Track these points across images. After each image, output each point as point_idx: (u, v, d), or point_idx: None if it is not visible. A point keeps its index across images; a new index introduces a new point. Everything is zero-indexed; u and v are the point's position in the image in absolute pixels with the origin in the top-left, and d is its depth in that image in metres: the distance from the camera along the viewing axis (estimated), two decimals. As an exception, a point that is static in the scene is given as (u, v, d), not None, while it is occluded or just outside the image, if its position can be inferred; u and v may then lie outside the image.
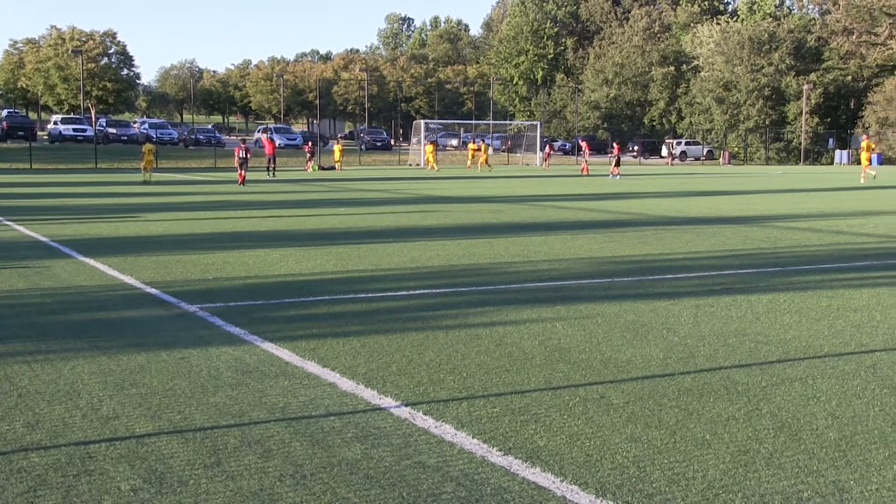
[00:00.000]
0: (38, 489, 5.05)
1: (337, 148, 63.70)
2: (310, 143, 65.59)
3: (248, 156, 40.80)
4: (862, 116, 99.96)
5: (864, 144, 54.02)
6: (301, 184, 41.82)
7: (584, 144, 66.43)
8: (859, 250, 16.79)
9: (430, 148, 65.21)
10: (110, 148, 79.12)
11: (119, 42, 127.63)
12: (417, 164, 69.29)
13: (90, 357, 8.01)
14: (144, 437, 5.91)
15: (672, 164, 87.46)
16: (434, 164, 62.92)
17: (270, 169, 48.85)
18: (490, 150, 67.60)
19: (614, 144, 54.36)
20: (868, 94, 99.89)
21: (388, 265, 14.25)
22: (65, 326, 9.44)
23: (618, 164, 50.66)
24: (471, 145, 70.86)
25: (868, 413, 6.55)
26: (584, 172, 57.62)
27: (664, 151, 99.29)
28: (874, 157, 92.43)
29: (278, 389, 7.04)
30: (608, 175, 51.10)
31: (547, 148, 74.84)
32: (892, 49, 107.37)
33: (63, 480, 5.17)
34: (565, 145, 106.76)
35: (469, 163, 68.00)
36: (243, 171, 39.62)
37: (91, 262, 14.40)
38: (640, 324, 9.66)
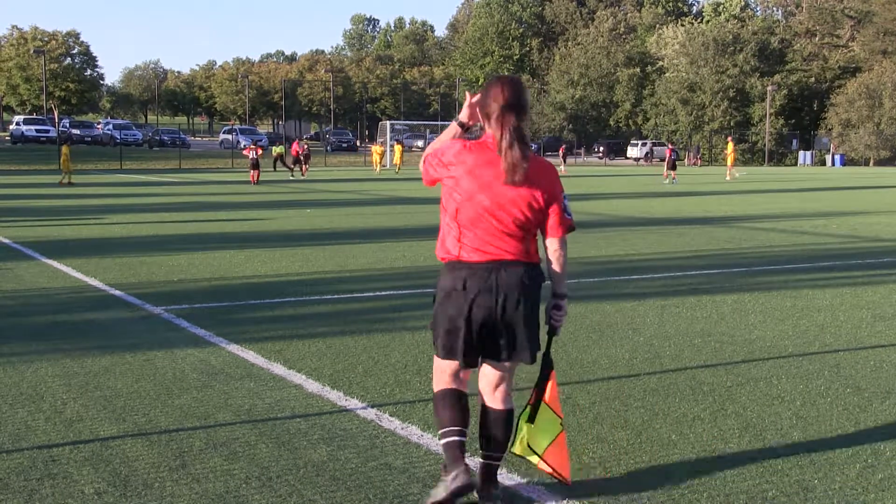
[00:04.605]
0: (0, 493, 5.01)
1: (275, 150, 63.18)
2: (305, 147, 64.16)
3: (258, 156, 42.93)
4: (825, 118, 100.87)
5: (729, 148, 57.64)
6: (265, 185, 41.63)
7: None
8: (823, 251, 16.92)
9: (378, 149, 64.19)
10: (74, 149, 77.74)
11: (82, 42, 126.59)
12: (384, 166, 69.07)
13: (53, 359, 7.95)
14: (109, 440, 5.87)
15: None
16: (377, 167, 62.41)
17: (298, 168, 51.92)
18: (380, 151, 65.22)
19: (668, 146, 52.45)
20: (831, 96, 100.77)
21: (353, 266, 14.23)
22: (27, 329, 9.35)
23: (673, 167, 48.94)
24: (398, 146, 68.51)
25: (832, 412, 6.59)
26: None
27: (630, 152, 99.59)
28: (837, 157, 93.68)
29: (244, 391, 7.01)
30: (666, 181, 48.20)
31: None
32: (853, 51, 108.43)
33: (26, 484, 5.12)
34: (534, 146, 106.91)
35: None
36: (256, 171, 42.30)
37: (54, 263, 14.29)
38: (605, 324, 9.69)
